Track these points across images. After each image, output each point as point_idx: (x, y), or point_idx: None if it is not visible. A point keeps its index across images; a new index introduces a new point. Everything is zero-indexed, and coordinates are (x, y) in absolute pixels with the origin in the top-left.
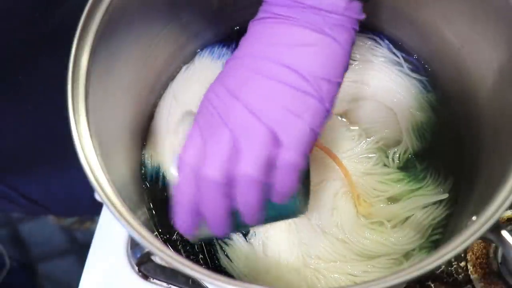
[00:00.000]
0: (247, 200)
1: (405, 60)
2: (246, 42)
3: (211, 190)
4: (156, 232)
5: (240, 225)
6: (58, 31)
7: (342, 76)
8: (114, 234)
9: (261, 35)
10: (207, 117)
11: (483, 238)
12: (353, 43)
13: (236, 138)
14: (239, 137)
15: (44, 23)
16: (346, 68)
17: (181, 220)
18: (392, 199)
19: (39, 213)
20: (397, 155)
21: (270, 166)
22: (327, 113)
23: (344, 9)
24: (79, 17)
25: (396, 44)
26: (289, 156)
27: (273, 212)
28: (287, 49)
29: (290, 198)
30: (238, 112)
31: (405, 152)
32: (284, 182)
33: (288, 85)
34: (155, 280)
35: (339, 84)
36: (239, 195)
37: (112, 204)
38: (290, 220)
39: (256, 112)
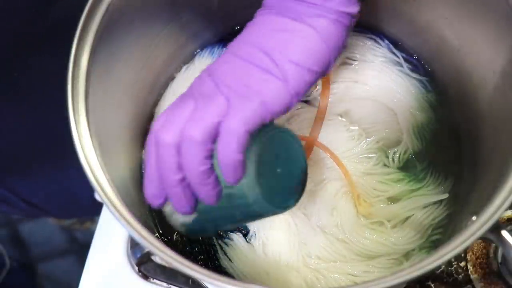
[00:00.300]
0: (190, 164)
1: (405, 60)
2: (241, 31)
3: (164, 154)
4: (157, 233)
5: (201, 207)
6: (57, 28)
7: (318, 65)
8: (114, 234)
9: (251, 23)
10: (183, 95)
11: (483, 238)
12: (342, 38)
13: (196, 106)
14: (198, 105)
15: (44, 20)
16: (326, 59)
17: (147, 188)
18: (392, 199)
19: (39, 216)
20: (397, 155)
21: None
22: (291, 95)
23: (323, 0)
24: (78, 13)
25: (396, 44)
26: (230, 124)
27: (229, 195)
28: (265, 35)
29: (241, 179)
30: (206, 85)
31: (405, 152)
32: (224, 150)
33: (256, 65)
34: (155, 280)
35: (312, 72)
36: (184, 159)
37: (112, 204)
38: (290, 220)
39: (220, 85)
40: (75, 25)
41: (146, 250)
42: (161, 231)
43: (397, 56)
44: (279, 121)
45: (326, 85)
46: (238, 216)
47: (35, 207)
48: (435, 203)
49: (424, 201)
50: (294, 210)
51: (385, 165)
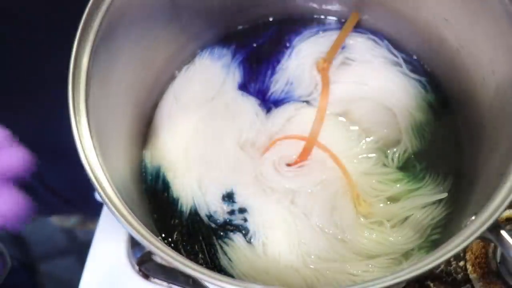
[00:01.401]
0: None
1: (405, 61)
2: None
3: None
4: (159, 235)
5: None
6: None
7: None
8: (114, 233)
9: None
10: None
11: (482, 237)
12: None
13: None
14: None
15: None
16: None
17: None
18: (392, 199)
19: (69, 211)
20: (397, 155)
21: None
22: None
23: None
24: None
25: (396, 45)
26: None
27: None
28: None
29: None
30: None
31: (404, 152)
32: None
33: None
34: (155, 280)
35: None
36: None
37: (113, 204)
38: (290, 220)
39: None
40: None
41: (147, 249)
42: (161, 231)
43: (397, 57)
44: (278, 123)
45: (326, 86)
46: None
47: (60, 198)
48: (434, 202)
49: (423, 200)
50: (294, 210)
51: (384, 165)
